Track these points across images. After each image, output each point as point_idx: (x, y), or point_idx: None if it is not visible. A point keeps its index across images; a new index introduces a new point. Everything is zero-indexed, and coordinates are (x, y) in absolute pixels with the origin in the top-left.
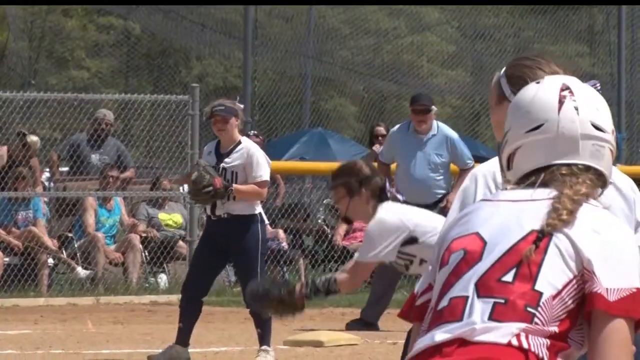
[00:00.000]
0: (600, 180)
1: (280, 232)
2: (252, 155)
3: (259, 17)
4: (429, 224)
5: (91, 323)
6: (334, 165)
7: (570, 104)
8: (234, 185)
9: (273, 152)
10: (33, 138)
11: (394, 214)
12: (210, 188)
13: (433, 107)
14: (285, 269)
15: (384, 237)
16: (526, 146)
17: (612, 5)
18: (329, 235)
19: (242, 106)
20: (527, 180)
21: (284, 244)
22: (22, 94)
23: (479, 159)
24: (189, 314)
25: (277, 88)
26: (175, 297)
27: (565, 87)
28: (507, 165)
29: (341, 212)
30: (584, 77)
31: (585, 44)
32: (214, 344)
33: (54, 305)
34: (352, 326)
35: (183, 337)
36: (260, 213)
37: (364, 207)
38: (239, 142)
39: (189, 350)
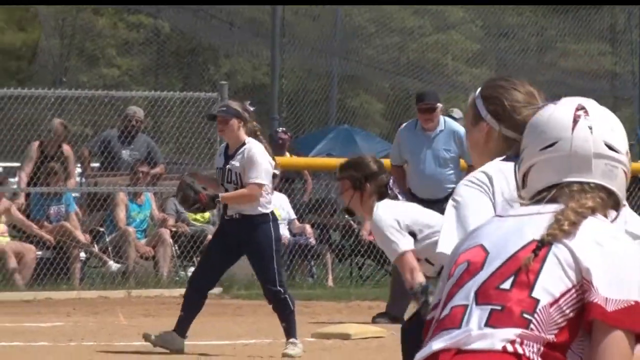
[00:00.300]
0: (612, 200)
1: (308, 227)
2: (250, 156)
3: (286, 16)
4: (426, 220)
5: (122, 316)
6: None
7: (584, 123)
8: (221, 195)
9: (300, 149)
10: (58, 121)
11: (386, 212)
12: (198, 205)
13: (439, 104)
14: (312, 263)
15: (391, 228)
16: (540, 164)
17: (633, 5)
18: (356, 230)
19: (251, 109)
20: (539, 197)
21: (312, 239)
22: (53, 91)
23: None
24: (192, 306)
25: (304, 85)
26: None
27: (581, 107)
28: (522, 183)
29: (344, 203)
30: (606, 75)
31: (607, 42)
32: (242, 336)
33: (86, 298)
34: (378, 319)
35: (182, 327)
36: (272, 212)
37: (366, 201)
38: (244, 144)
39: (218, 342)
